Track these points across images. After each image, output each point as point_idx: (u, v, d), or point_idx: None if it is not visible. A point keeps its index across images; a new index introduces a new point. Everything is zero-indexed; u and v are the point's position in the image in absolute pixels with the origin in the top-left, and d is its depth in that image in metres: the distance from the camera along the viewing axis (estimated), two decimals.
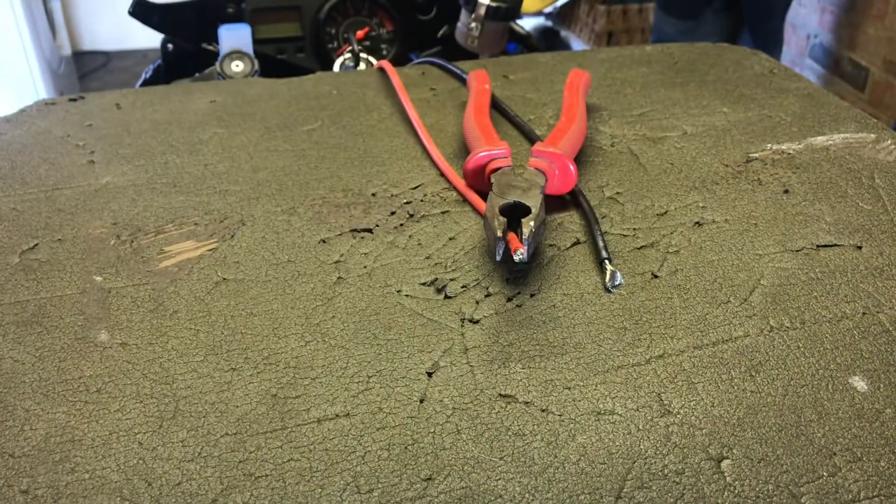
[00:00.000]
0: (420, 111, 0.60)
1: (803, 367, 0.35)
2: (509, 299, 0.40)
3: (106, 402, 0.34)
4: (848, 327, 0.38)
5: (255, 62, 0.84)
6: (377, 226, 0.46)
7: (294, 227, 0.46)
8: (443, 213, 0.47)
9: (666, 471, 0.30)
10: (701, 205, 0.48)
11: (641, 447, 0.32)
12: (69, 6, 3.08)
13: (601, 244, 0.43)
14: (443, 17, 1.02)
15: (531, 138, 0.56)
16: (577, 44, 2.64)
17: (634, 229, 0.46)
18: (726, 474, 0.30)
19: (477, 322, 0.38)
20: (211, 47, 0.96)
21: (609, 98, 0.63)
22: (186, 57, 0.97)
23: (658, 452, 0.31)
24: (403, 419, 0.33)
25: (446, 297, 0.40)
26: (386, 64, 0.68)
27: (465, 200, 0.49)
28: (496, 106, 0.62)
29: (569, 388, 0.34)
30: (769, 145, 0.55)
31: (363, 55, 0.90)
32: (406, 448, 0.32)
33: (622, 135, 0.57)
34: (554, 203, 0.48)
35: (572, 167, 0.47)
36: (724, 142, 0.55)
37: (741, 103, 0.61)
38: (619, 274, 0.41)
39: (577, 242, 0.44)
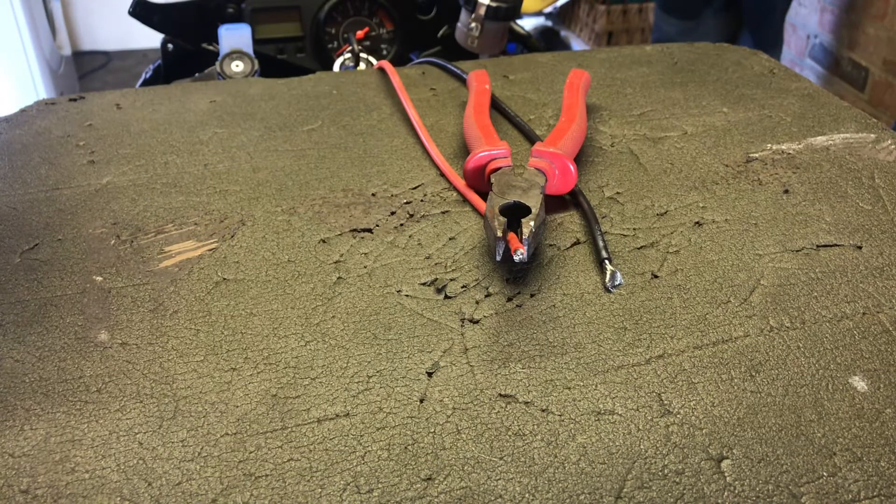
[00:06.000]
0: (420, 111, 0.60)
1: (803, 367, 0.35)
2: (509, 299, 0.40)
3: (106, 402, 0.34)
4: (848, 327, 0.38)
5: (255, 62, 0.84)
6: (377, 226, 0.46)
7: (294, 227, 0.46)
8: (443, 213, 0.47)
9: (666, 471, 0.30)
10: (701, 205, 0.48)
11: (641, 447, 0.32)
12: (69, 6, 3.08)
13: (601, 244, 0.43)
14: (443, 17, 1.02)
15: (531, 138, 0.56)
16: (577, 44, 2.64)
17: (634, 229, 0.46)
18: (726, 474, 0.30)
19: (477, 322, 0.38)
20: (211, 47, 0.96)
21: (609, 98, 0.63)
22: (186, 57, 0.97)
23: (658, 452, 0.31)
24: (403, 419, 0.33)
25: (446, 297, 0.40)
26: (386, 64, 0.68)
27: (465, 200, 0.49)
28: (496, 106, 0.62)
29: (569, 388, 0.34)
30: (769, 145, 0.55)
31: (363, 55, 0.90)
32: (406, 448, 0.32)
33: (622, 135, 0.57)
34: (554, 203, 0.48)
35: (572, 167, 0.47)
36: (724, 142, 0.55)
37: (741, 103, 0.61)
38: (619, 274, 0.41)
39: (577, 242, 0.44)
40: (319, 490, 0.30)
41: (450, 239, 0.45)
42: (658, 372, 0.35)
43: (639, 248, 0.44)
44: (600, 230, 0.44)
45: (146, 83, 0.98)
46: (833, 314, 0.39)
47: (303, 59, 0.99)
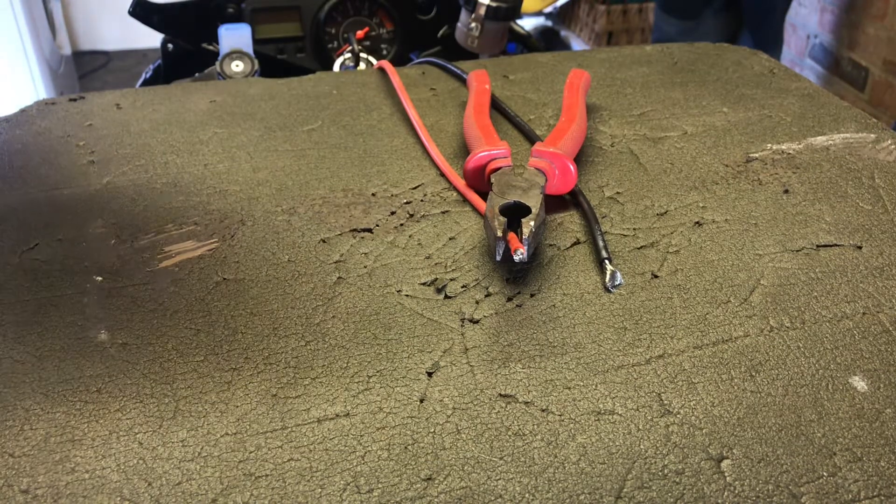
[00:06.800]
0: (420, 111, 0.60)
1: (803, 367, 0.35)
2: (509, 299, 0.40)
3: (106, 401, 0.34)
4: (848, 327, 0.38)
5: (255, 62, 0.84)
6: (377, 226, 0.46)
7: (294, 227, 0.46)
8: (443, 213, 0.47)
9: (666, 471, 0.30)
10: (701, 205, 0.48)
11: (641, 447, 0.32)
12: (69, 6, 3.08)
13: (601, 244, 0.43)
14: (443, 17, 1.02)
15: (531, 138, 0.56)
16: (577, 44, 2.64)
17: (634, 229, 0.46)
18: (726, 474, 0.30)
19: (477, 322, 0.38)
20: (211, 47, 0.96)
21: (609, 98, 0.63)
22: (186, 57, 0.97)
23: (658, 452, 0.31)
24: (403, 419, 0.33)
25: (446, 297, 0.40)
26: (386, 64, 0.68)
27: (465, 200, 0.49)
28: (496, 106, 0.62)
29: (569, 388, 0.34)
30: (769, 145, 0.55)
31: (363, 55, 0.90)
32: (406, 448, 0.32)
33: (622, 135, 0.57)
34: (554, 203, 0.48)
35: (572, 167, 0.47)
36: (724, 142, 0.55)
37: (741, 103, 0.61)
38: (619, 274, 0.41)
39: (577, 242, 0.44)
40: (319, 490, 0.30)
41: (450, 239, 0.45)
42: (658, 372, 0.35)
43: (639, 248, 0.44)
44: (600, 230, 0.44)
45: (146, 83, 0.98)
46: (833, 314, 0.39)
47: (303, 59, 0.99)
